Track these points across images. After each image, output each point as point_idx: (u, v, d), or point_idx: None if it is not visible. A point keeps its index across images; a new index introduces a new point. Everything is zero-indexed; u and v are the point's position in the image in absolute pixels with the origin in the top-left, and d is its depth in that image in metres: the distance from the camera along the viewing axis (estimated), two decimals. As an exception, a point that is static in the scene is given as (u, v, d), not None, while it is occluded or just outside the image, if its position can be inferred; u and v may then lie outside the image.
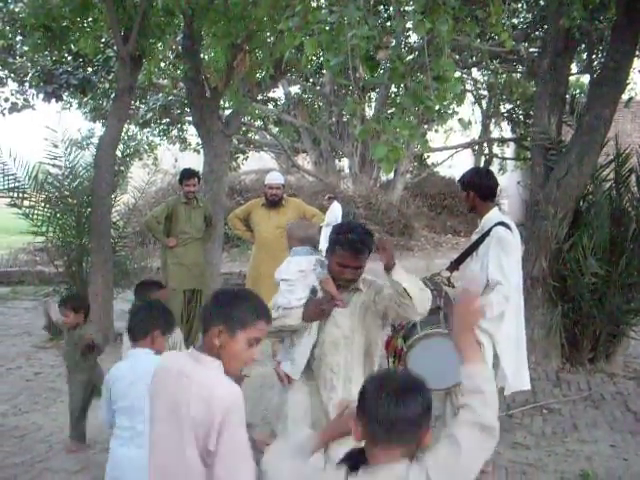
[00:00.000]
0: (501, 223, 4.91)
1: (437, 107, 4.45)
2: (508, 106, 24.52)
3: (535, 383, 6.35)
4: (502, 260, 4.74)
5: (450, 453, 2.28)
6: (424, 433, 2.30)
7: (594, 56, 10.21)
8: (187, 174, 8.52)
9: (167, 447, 2.57)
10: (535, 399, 6.88)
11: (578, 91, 18.70)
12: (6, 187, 9.55)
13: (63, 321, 5.56)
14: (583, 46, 9.46)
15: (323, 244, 18.54)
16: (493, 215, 5.01)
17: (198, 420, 2.47)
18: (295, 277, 4.02)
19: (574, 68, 10.39)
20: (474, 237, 5.11)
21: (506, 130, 27.93)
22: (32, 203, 9.65)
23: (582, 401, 6.97)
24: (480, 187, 5.06)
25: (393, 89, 23.24)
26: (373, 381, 2.34)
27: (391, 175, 25.31)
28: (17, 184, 9.59)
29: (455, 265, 5.27)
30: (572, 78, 12.68)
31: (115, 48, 9.90)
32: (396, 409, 2.19)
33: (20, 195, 9.60)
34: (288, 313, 3.89)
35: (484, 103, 26.82)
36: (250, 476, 2.52)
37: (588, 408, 6.77)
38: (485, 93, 26.13)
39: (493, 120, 27.51)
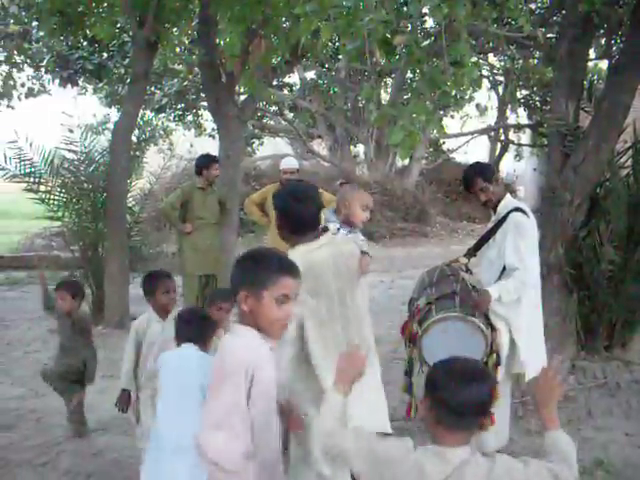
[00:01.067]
0: (517, 209, 4.89)
1: (454, 92, 4.43)
2: (525, 92, 24.31)
3: (550, 370, 6.32)
4: (519, 245, 4.73)
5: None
6: (486, 418, 2.38)
7: (613, 41, 10.08)
8: (213, 159, 8.58)
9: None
10: (550, 386, 6.84)
11: (596, 77, 18.51)
12: (22, 172, 9.59)
13: (59, 305, 5.51)
14: (602, 31, 9.33)
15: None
16: (508, 201, 5.00)
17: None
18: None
19: (592, 54, 10.26)
20: (490, 224, 5.10)
21: (522, 116, 27.73)
22: (48, 188, 9.69)
23: (597, 389, 6.94)
24: (483, 171, 5.02)
25: (409, 74, 23.12)
26: (442, 367, 2.41)
27: (406, 161, 25.23)
28: (33, 169, 9.63)
29: (472, 252, 5.27)
30: (590, 64, 12.53)
31: (131, 33, 9.91)
32: (469, 395, 2.29)
33: (36, 180, 9.64)
34: None
35: (500, 89, 26.63)
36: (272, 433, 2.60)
37: (603, 396, 6.74)
38: (502, 79, 25.95)
39: (509, 106, 27.30)
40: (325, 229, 3.77)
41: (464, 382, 2.30)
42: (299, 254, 3.41)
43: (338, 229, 3.87)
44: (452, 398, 2.28)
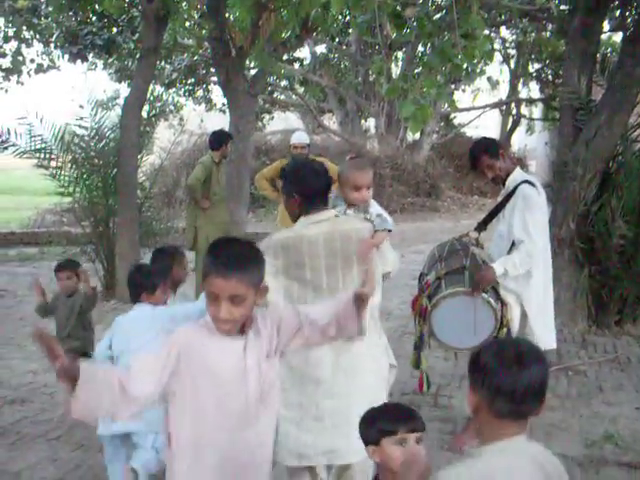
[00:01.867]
0: (526, 181, 4.85)
1: (465, 65, 4.39)
2: (537, 65, 24.11)
3: (561, 345, 6.33)
4: (526, 218, 4.69)
5: None
6: (544, 401, 2.19)
7: (627, 13, 9.96)
8: (230, 135, 8.61)
9: None
10: (561, 361, 6.86)
11: (609, 50, 18.33)
12: (33, 148, 9.60)
13: (65, 286, 5.50)
14: (616, 3, 9.22)
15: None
16: (517, 175, 4.96)
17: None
18: None
19: (606, 26, 10.14)
20: (500, 198, 5.08)
21: (534, 90, 27.50)
22: (59, 164, 9.70)
23: (608, 363, 6.94)
24: (488, 148, 4.98)
25: (420, 48, 22.96)
26: (489, 351, 2.19)
27: (417, 135, 25.11)
28: (44, 145, 9.63)
29: (482, 226, 5.26)
30: (604, 36, 12.40)
31: (140, 8, 9.85)
32: (529, 379, 2.08)
33: (47, 156, 9.64)
34: None
35: (512, 63, 26.40)
36: None
37: (614, 370, 6.74)
38: (513, 52, 25.72)
39: (521, 80, 27.08)
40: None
41: (522, 365, 2.08)
42: (299, 226, 3.52)
43: (345, 213, 3.82)
44: (513, 384, 2.07)
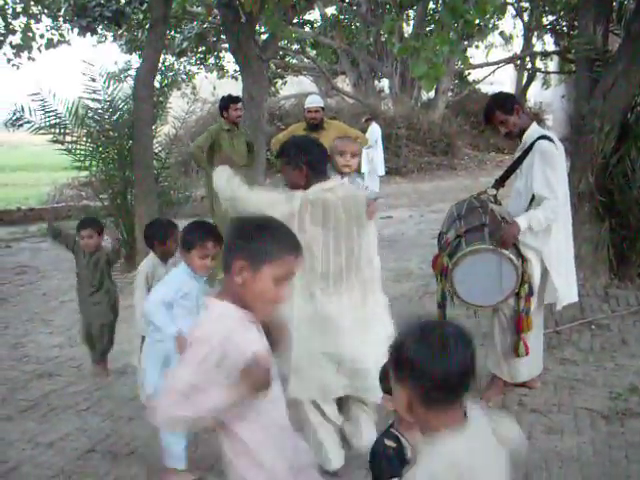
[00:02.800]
0: (543, 136, 4.80)
1: (477, 21, 4.33)
2: (551, 18, 23.74)
3: (583, 299, 6.32)
4: (547, 173, 4.65)
5: None
6: (474, 379, 2.00)
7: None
8: (234, 99, 8.53)
9: None
10: (583, 315, 6.85)
11: (625, -2, 18.02)
12: (48, 124, 9.61)
13: (86, 244, 5.61)
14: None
15: (365, 166, 18.46)
16: (534, 130, 4.90)
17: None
18: None
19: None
20: (517, 154, 5.03)
21: (549, 43, 27.17)
22: (74, 138, 9.71)
23: (631, 316, 6.92)
24: (502, 103, 4.92)
25: (432, 5, 22.69)
26: (412, 341, 1.96)
27: (432, 94, 24.93)
28: (58, 120, 9.64)
29: (500, 182, 5.22)
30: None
31: (147, -23, 9.77)
32: (456, 363, 1.91)
33: (62, 131, 9.65)
34: None
35: (526, 16, 26.03)
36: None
37: (637, 323, 6.72)
38: (527, 5, 25.33)
39: (535, 33, 26.72)
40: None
41: (448, 350, 1.91)
42: (313, 191, 3.79)
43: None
44: (443, 373, 1.89)
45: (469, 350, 1.94)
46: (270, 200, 3.84)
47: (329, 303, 3.78)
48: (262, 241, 2.28)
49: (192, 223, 4.11)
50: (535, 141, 4.77)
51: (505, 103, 4.93)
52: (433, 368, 1.89)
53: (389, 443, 2.62)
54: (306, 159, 3.84)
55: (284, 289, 2.33)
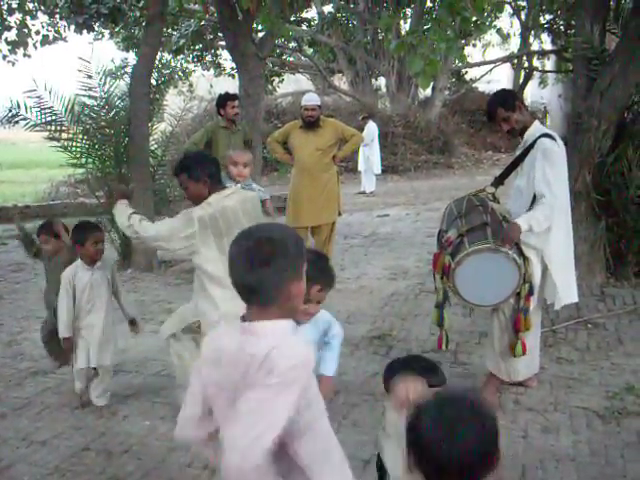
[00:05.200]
0: (545, 134, 4.79)
1: (474, 18, 4.32)
2: (548, 17, 23.72)
3: (579, 298, 6.29)
4: (547, 171, 4.63)
5: None
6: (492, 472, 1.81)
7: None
8: (231, 96, 8.52)
9: None
10: (579, 314, 6.85)
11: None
12: (44, 121, 9.58)
13: (45, 249, 5.57)
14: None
15: (361, 165, 18.43)
16: (535, 128, 4.89)
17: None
18: None
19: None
20: (518, 152, 5.01)
21: (546, 42, 27.17)
22: (70, 135, 9.68)
23: (627, 315, 6.92)
24: (505, 100, 4.91)
25: (429, 3, 22.67)
26: (426, 418, 1.83)
27: (429, 92, 24.93)
28: (54, 117, 9.61)
29: (500, 180, 5.20)
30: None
31: (144, -27, 9.75)
32: (460, 447, 1.74)
33: (58, 128, 9.63)
34: None
35: (523, 14, 26.03)
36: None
37: (633, 322, 6.72)
38: (524, 3, 25.34)
39: (532, 32, 26.73)
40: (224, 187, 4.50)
41: (452, 427, 1.75)
42: (214, 200, 4.25)
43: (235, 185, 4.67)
44: (437, 451, 1.74)
45: (482, 437, 1.76)
46: (169, 231, 4.28)
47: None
48: (293, 247, 2.16)
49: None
50: (537, 139, 4.76)
51: (507, 100, 4.92)
52: (435, 452, 1.75)
53: None
54: (207, 172, 4.28)
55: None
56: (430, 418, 1.79)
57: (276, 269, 2.10)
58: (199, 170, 4.28)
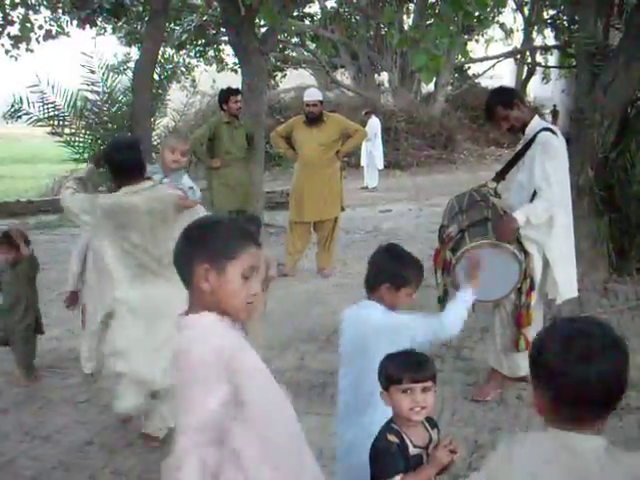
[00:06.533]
0: (545, 129, 4.77)
1: (477, 13, 4.31)
2: (551, 11, 23.68)
3: (582, 294, 6.30)
4: (546, 165, 4.62)
5: None
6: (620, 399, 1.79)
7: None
8: (233, 91, 8.50)
9: None
10: (582, 310, 6.84)
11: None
12: (46, 116, 9.59)
13: (3, 259, 5.51)
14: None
15: (364, 160, 18.40)
16: (536, 123, 4.87)
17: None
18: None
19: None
20: (519, 147, 5.00)
21: (549, 37, 27.09)
22: (73, 130, 9.69)
23: (630, 311, 6.91)
24: (503, 98, 4.88)
25: (432, -2, 22.63)
26: (553, 334, 1.81)
27: (432, 87, 24.90)
28: (57, 112, 9.62)
29: (501, 175, 5.18)
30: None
31: (146, -32, 9.74)
32: (594, 378, 1.70)
33: (61, 123, 9.64)
34: None
35: (526, 10, 25.97)
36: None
37: (636, 318, 6.71)
38: (527, -1, 25.29)
39: (536, 27, 26.66)
40: (149, 179, 4.37)
41: (590, 363, 1.70)
42: (121, 193, 4.17)
43: (162, 179, 4.61)
44: (578, 389, 1.71)
45: (617, 363, 1.76)
46: (78, 208, 4.20)
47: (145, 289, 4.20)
48: (218, 240, 2.15)
49: None
50: (537, 133, 4.75)
51: (506, 98, 4.89)
52: (568, 377, 1.71)
53: (392, 439, 2.58)
54: (109, 163, 4.28)
55: (254, 285, 2.20)
56: (562, 342, 1.75)
57: (186, 248, 2.17)
58: (108, 163, 4.33)
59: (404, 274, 3.19)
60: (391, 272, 3.17)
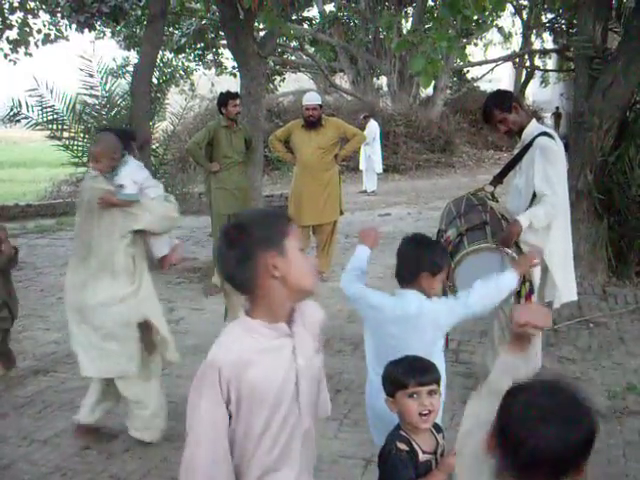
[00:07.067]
0: (543, 133, 4.77)
1: (475, 17, 4.31)
2: (550, 15, 23.73)
3: (581, 297, 6.31)
4: (547, 170, 4.62)
5: None
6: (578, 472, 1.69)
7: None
8: (232, 95, 8.49)
9: None
10: (581, 313, 6.84)
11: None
12: (45, 120, 9.58)
13: None
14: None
15: (363, 164, 18.40)
16: (533, 127, 4.87)
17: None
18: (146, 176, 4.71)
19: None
20: (516, 151, 5.00)
21: (548, 41, 27.16)
22: (72, 134, 9.68)
23: (629, 314, 6.91)
24: (500, 102, 4.88)
25: (430, 2, 22.66)
26: (519, 392, 1.72)
27: (430, 91, 24.92)
28: (56, 116, 9.61)
29: (498, 179, 5.18)
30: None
31: (145, -28, 9.74)
32: (564, 442, 1.61)
33: (59, 127, 9.63)
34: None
35: (525, 13, 26.01)
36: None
37: (635, 321, 6.71)
38: (526, 2, 25.31)
39: (534, 31, 26.71)
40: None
41: (560, 424, 1.62)
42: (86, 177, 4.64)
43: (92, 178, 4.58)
44: (541, 447, 1.60)
45: (576, 432, 1.64)
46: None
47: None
48: (265, 226, 2.09)
49: None
50: (535, 138, 4.74)
51: (503, 101, 4.89)
52: (524, 441, 1.62)
53: (402, 446, 2.59)
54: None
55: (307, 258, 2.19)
56: (525, 403, 1.67)
57: (238, 252, 2.04)
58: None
59: (439, 261, 3.26)
60: (429, 261, 3.21)
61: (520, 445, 1.62)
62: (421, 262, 3.20)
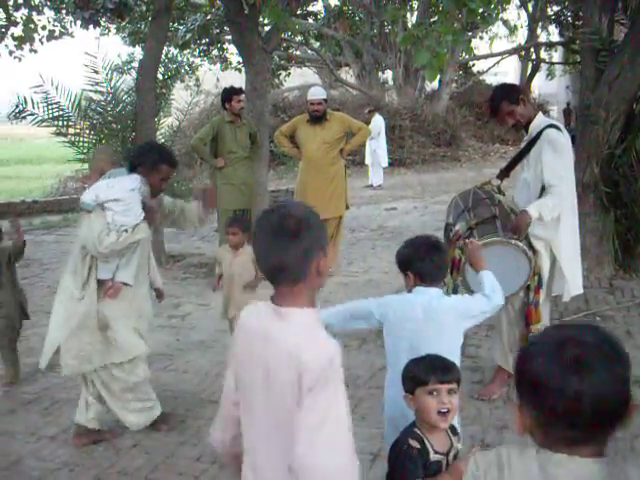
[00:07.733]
0: (550, 126, 4.76)
1: (481, 10, 4.29)
2: (556, 8, 23.62)
3: (588, 290, 6.29)
4: (555, 162, 4.61)
5: None
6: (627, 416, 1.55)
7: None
8: (236, 90, 8.49)
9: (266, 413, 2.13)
10: (588, 306, 6.83)
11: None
12: (51, 116, 9.59)
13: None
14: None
15: (369, 158, 18.37)
16: (540, 120, 4.86)
17: (288, 387, 2.02)
18: (128, 196, 4.25)
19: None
20: (523, 144, 4.98)
21: (554, 34, 27.05)
22: (77, 131, 9.68)
23: (636, 308, 6.89)
24: (508, 94, 4.87)
25: (435, -4, 22.58)
26: (540, 354, 1.54)
27: (436, 85, 24.86)
28: (61, 113, 9.62)
29: (505, 173, 5.17)
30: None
31: (149, -32, 9.73)
32: (592, 392, 1.47)
33: (65, 123, 9.63)
34: (138, 228, 4.29)
35: (530, 6, 25.91)
36: (339, 456, 1.97)
37: (642, 314, 6.70)
38: (531, -5, 25.23)
39: (540, 23, 26.60)
40: None
41: (585, 374, 1.48)
42: None
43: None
44: (574, 405, 1.47)
45: (615, 374, 1.55)
46: None
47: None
48: (322, 227, 2.18)
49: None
50: (542, 130, 4.73)
51: (511, 94, 4.88)
52: (557, 392, 1.48)
53: (413, 443, 2.60)
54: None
55: None
56: (551, 353, 1.53)
57: (302, 244, 2.06)
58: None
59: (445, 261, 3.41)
60: (446, 262, 3.42)
61: (557, 402, 1.48)
62: (444, 264, 3.34)
